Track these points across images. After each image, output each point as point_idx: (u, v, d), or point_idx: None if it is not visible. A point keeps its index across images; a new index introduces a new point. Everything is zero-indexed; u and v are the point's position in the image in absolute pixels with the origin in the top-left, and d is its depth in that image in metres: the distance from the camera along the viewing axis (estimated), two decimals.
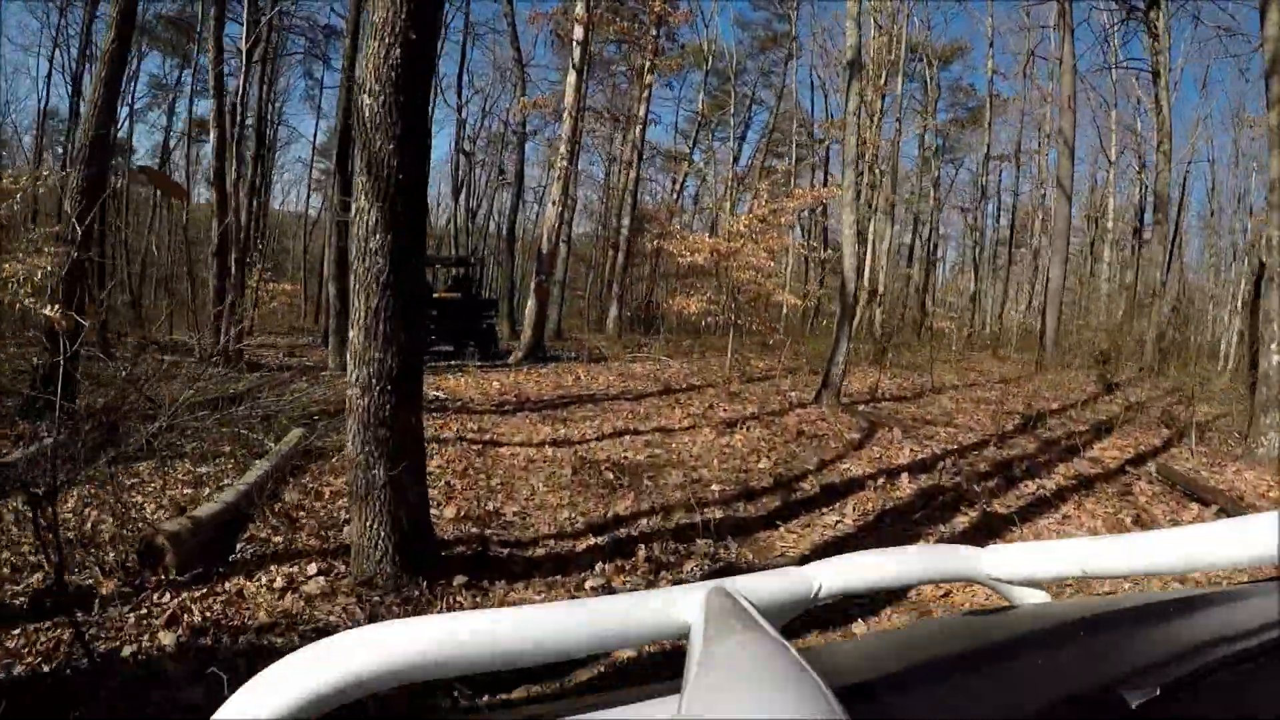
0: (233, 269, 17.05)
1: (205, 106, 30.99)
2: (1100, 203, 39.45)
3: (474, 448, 9.61)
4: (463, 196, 39.63)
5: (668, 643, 1.04)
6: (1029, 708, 0.80)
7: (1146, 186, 35.76)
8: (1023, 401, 16.29)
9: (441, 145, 40.68)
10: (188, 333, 18.54)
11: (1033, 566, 1.10)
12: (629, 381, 15.71)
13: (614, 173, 37.19)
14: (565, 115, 18.75)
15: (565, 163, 18.47)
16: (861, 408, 13.72)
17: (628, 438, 10.66)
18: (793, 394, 14.98)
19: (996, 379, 20.15)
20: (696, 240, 16.89)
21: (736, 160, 39.77)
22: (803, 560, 1.31)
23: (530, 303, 19.06)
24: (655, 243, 19.41)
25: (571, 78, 18.70)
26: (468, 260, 23.70)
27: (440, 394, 13.72)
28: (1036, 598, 1.13)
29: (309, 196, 45.60)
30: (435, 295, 19.97)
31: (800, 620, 0.97)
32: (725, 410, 12.94)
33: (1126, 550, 1.07)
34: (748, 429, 11.41)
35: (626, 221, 26.85)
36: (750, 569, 5.72)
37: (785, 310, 23.51)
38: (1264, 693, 0.83)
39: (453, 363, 19.02)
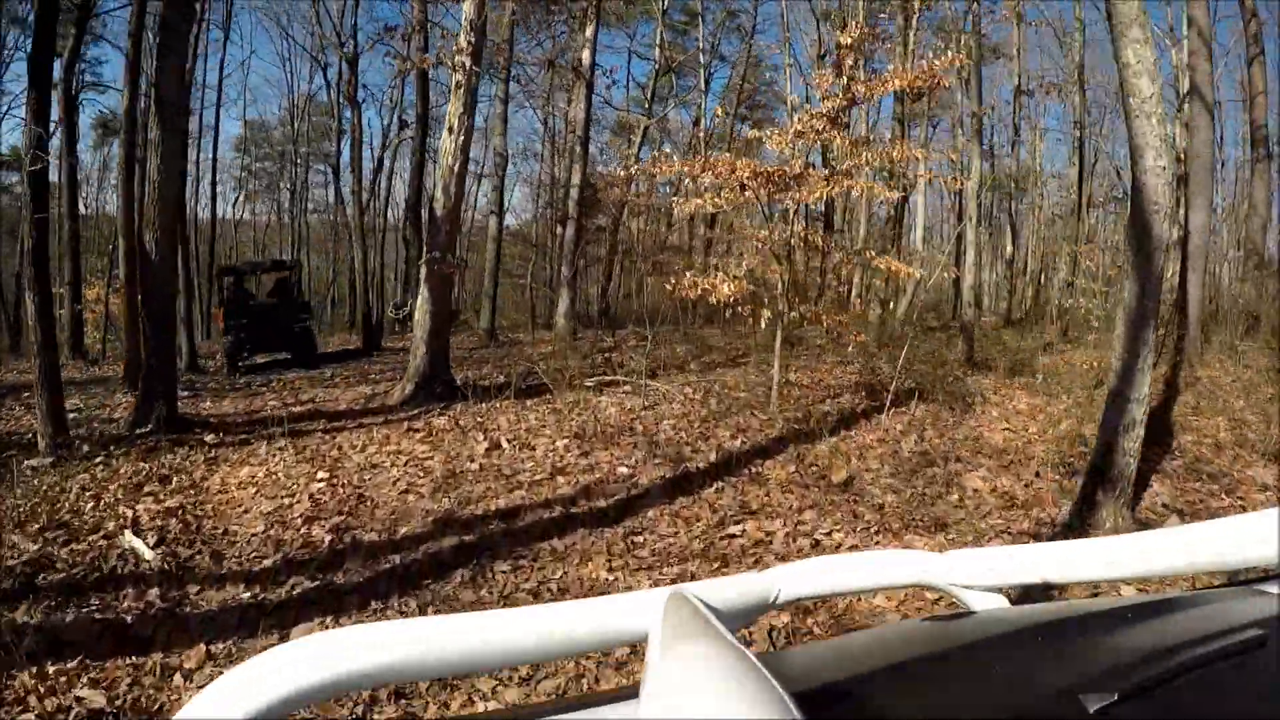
0: None
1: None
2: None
3: None
4: (381, 170, 30.91)
5: None
6: (987, 713, 0.74)
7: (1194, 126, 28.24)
8: None
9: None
10: None
11: (991, 572, 1.03)
12: (597, 453, 7.43)
13: (553, 123, 28.89)
14: None
15: (467, 61, 10.06)
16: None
17: None
18: (969, 478, 6.83)
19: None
20: (718, 162, 8.40)
21: (697, 123, 31.26)
22: None
23: (420, 299, 10.61)
24: (633, 169, 10.68)
25: None
26: (284, 264, 21.12)
27: (150, 538, 5.43)
28: (995, 603, 1.04)
29: (237, 199, 41.92)
30: (250, 302, 17.91)
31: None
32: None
33: (1086, 557, 1.00)
34: None
35: (576, 178, 18.34)
36: None
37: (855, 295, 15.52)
38: (1222, 697, 0.78)
39: (300, 403, 10.88)
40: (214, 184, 33.96)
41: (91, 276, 23.02)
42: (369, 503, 6.19)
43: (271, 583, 4.85)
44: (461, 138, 10.41)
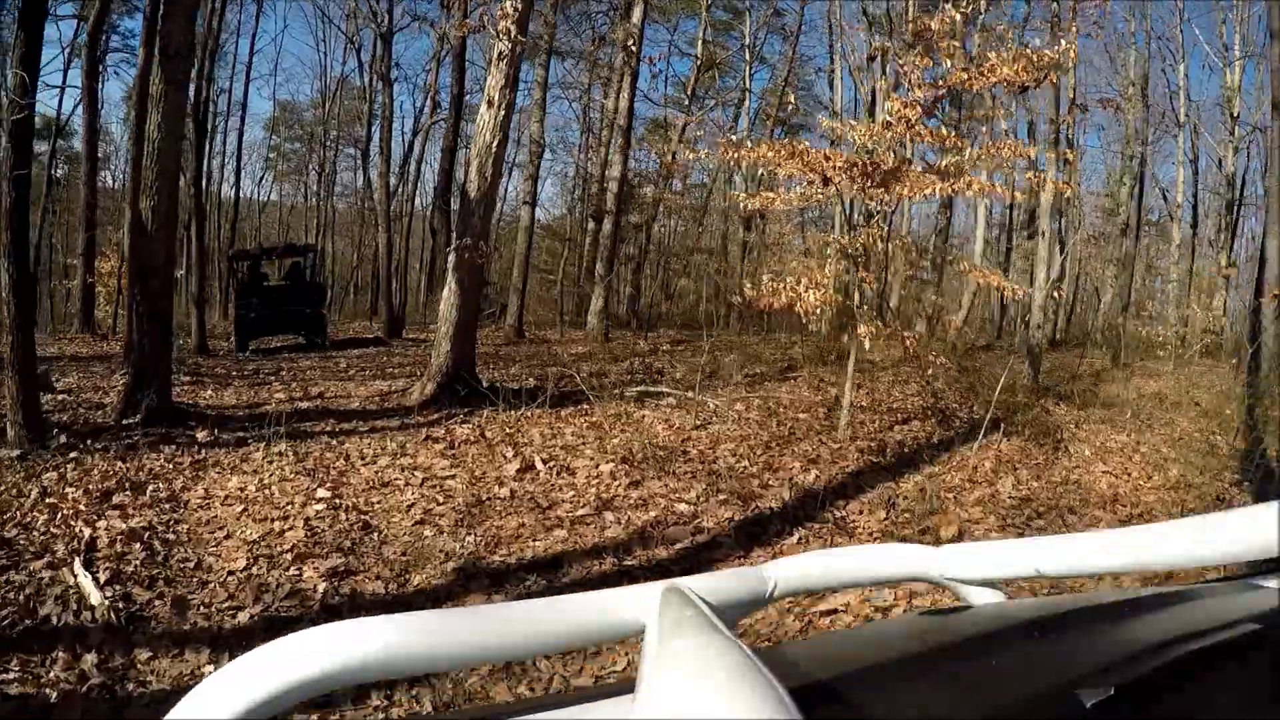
0: None
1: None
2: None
3: None
4: (408, 150, 29.77)
5: None
6: (984, 708, 0.71)
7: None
8: None
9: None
10: None
11: (988, 566, 0.97)
12: (650, 483, 6.27)
13: (588, 116, 27.83)
14: None
15: (512, 27, 8.92)
16: None
17: None
18: None
19: None
20: (807, 151, 7.13)
21: (734, 125, 29.92)
22: None
23: (445, 289, 9.47)
24: (702, 153, 9.06)
25: None
26: (298, 248, 20.81)
27: None
28: (991, 598, 0.99)
29: (261, 178, 41.35)
30: (263, 285, 17.90)
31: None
32: None
33: (1083, 551, 0.97)
34: None
35: (616, 170, 17.14)
36: None
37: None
38: (1219, 692, 0.76)
39: (309, 397, 9.98)
40: (239, 159, 33.23)
41: (109, 249, 21.96)
42: (376, 535, 5.03)
43: (244, 649, 3.70)
44: (501, 113, 9.26)
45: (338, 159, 38.64)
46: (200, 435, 7.68)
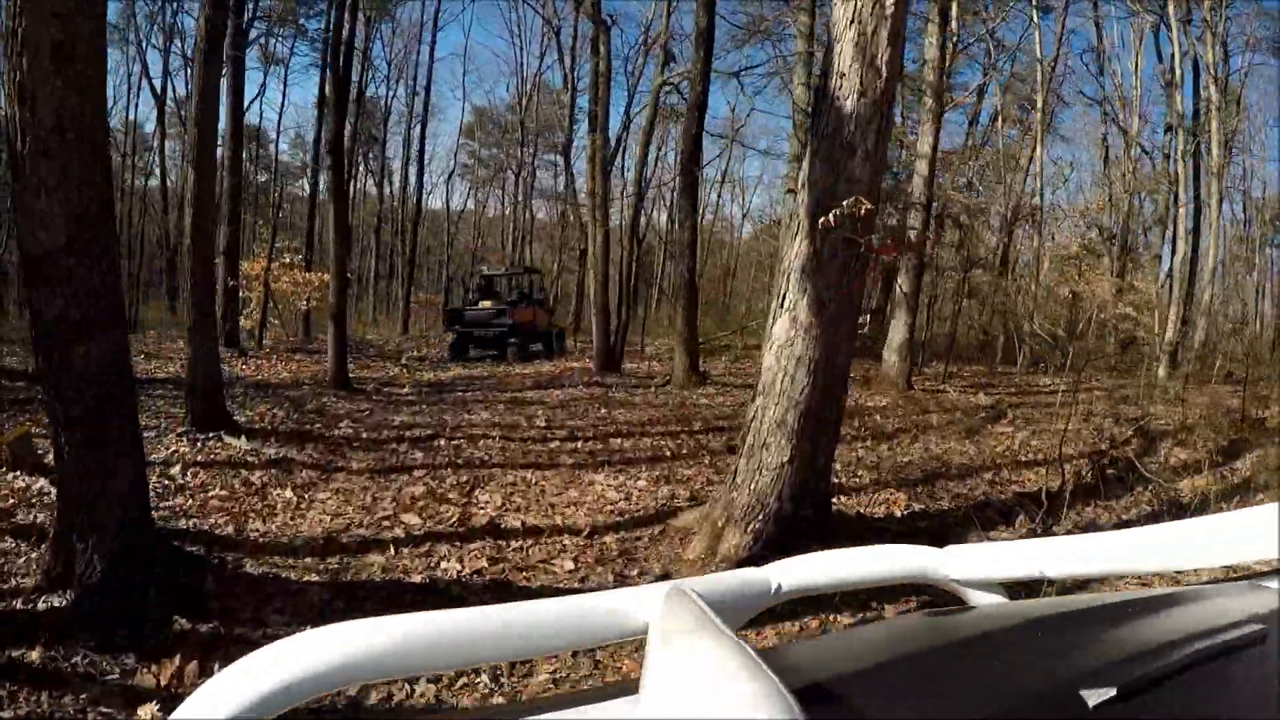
0: None
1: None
2: None
3: None
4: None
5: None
6: (987, 707, 0.69)
7: None
8: None
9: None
10: None
11: (991, 567, 0.99)
12: None
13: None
14: None
15: None
16: None
17: None
18: None
19: None
20: None
21: (973, 122, 23.41)
22: None
23: (783, 319, 4.24)
24: None
25: None
26: (519, 270, 22.40)
27: None
28: (994, 598, 1.00)
29: (450, 181, 38.31)
30: (482, 302, 18.33)
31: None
32: None
33: (1085, 552, 1.00)
34: None
35: (925, 146, 11.46)
36: None
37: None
38: (1222, 693, 0.74)
39: (466, 517, 4.87)
40: (421, 156, 30.99)
41: (255, 246, 19.14)
42: None
43: None
44: None
45: (535, 162, 34.89)
46: (145, 715, 2.63)
